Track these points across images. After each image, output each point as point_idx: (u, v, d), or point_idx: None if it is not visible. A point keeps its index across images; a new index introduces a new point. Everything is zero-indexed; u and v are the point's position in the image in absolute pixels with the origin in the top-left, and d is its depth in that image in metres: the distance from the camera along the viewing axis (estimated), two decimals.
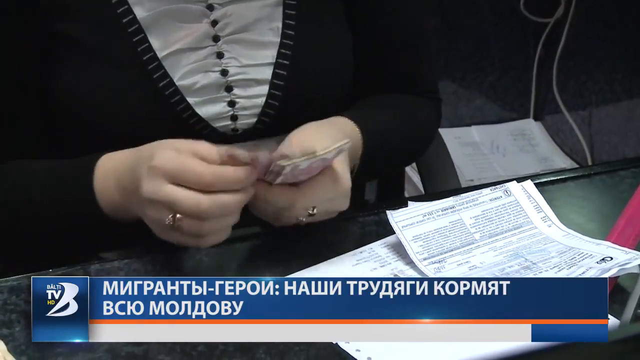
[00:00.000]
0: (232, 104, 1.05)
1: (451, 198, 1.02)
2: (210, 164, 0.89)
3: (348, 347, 0.85)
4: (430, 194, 1.23)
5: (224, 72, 1.05)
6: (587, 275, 0.91)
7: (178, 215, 0.88)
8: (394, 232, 0.98)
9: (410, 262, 0.96)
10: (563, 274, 0.92)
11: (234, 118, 1.06)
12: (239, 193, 0.90)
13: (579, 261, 0.94)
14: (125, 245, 0.98)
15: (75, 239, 1.02)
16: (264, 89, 1.06)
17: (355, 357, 0.84)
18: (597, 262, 0.93)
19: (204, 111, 1.04)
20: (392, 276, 0.95)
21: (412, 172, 2.02)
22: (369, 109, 1.13)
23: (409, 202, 1.02)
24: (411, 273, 0.95)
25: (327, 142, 0.93)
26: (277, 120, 1.06)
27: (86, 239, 1.02)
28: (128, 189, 0.94)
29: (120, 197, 0.95)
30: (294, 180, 0.92)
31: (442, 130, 1.38)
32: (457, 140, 2.39)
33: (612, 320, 0.89)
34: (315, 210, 0.94)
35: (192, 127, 1.03)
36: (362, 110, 1.10)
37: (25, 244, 1.05)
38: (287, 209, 0.94)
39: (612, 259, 0.93)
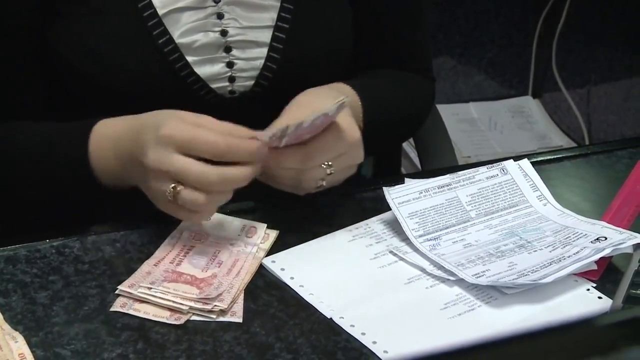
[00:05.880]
0: (230, 65, 1.05)
1: (448, 175, 1.02)
2: (221, 135, 0.88)
3: (343, 322, 0.86)
4: (427, 171, 1.24)
5: (224, 33, 1.04)
6: (581, 254, 0.91)
7: (179, 188, 0.88)
8: (390, 209, 0.98)
9: (405, 239, 0.96)
10: (557, 253, 0.93)
11: (231, 79, 1.06)
12: (246, 167, 0.89)
13: (574, 240, 0.95)
14: (117, 217, 0.98)
15: (67, 207, 1.02)
16: (263, 51, 1.06)
17: (349, 332, 0.85)
18: (592, 242, 0.93)
19: (202, 71, 1.04)
20: (387, 252, 0.95)
21: (409, 148, 2.02)
22: (368, 80, 1.13)
23: (406, 179, 1.03)
24: (407, 250, 0.95)
25: (327, 101, 0.92)
26: (275, 84, 1.06)
27: (77, 209, 1.02)
28: (127, 157, 0.93)
29: (117, 165, 0.95)
30: (298, 141, 0.92)
31: (439, 106, 1.38)
32: (454, 117, 2.39)
33: (604, 300, 0.90)
34: (332, 168, 0.94)
35: (190, 86, 1.03)
36: (362, 80, 1.10)
37: (20, 208, 1.05)
38: (302, 170, 0.93)
39: (606, 238, 0.94)
